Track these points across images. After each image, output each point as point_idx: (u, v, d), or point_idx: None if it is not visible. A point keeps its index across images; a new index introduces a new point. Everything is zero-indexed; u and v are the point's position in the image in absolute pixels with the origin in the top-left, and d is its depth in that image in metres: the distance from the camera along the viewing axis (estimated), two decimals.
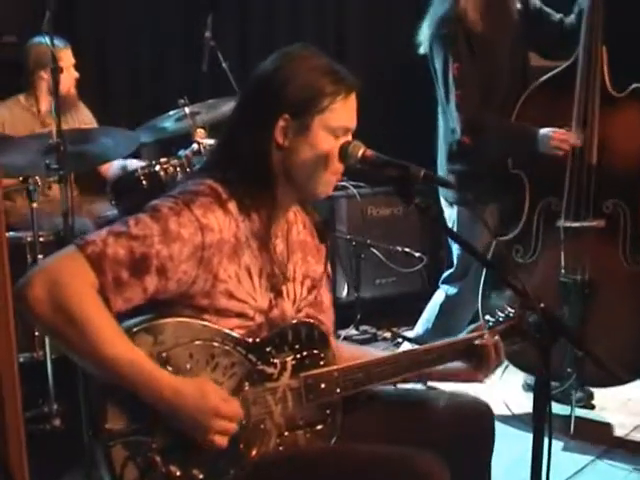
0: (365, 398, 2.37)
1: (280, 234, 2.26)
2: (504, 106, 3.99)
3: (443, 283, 4.52)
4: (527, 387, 4.43)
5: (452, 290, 4.44)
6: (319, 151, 2.15)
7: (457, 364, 2.36)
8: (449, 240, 4.57)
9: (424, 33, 4.04)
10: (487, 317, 2.41)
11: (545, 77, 3.97)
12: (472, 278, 4.21)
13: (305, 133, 2.14)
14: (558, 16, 4.10)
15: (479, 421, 2.36)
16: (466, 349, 2.34)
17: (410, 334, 4.69)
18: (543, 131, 3.85)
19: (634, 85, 3.88)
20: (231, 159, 2.19)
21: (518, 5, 4.06)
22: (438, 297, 4.52)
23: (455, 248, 4.39)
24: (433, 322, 4.46)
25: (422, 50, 4.07)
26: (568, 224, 3.90)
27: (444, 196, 4.25)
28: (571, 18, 4.02)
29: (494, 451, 2.38)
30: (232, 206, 2.12)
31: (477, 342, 2.33)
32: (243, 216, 2.13)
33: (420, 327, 4.55)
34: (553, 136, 3.82)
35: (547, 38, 4.12)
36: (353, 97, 2.19)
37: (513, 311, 2.38)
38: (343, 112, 2.16)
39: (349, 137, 2.20)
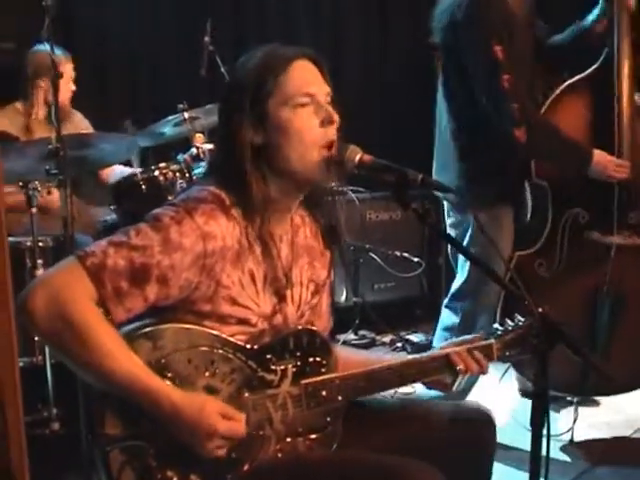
0: (367, 406, 2.38)
1: (285, 238, 2.26)
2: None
3: (456, 300, 3.99)
4: (523, 393, 4.41)
5: (468, 304, 3.95)
6: (288, 129, 2.13)
7: None
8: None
9: (441, 19, 3.69)
10: (496, 325, 2.38)
11: (573, 80, 3.83)
12: (486, 283, 3.79)
13: (267, 121, 2.13)
14: (557, 41, 3.96)
15: (480, 429, 2.35)
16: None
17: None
18: (598, 157, 3.66)
19: None
20: (219, 166, 2.21)
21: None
22: (449, 318, 4.03)
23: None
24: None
25: (437, 39, 3.75)
26: (608, 239, 3.81)
27: (448, 201, 3.93)
28: (562, 38, 3.93)
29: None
30: (235, 212, 2.11)
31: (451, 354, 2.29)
32: (246, 222, 2.13)
33: None
34: (608, 166, 3.65)
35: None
36: (300, 64, 2.16)
37: (523, 320, 2.35)
38: (291, 82, 2.13)
39: (319, 101, 2.15)
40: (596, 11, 3.80)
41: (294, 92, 2.13)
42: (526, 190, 3.93)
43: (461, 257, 3.96)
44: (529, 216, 3.99)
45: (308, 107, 2.14)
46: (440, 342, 4.07)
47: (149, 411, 1.95)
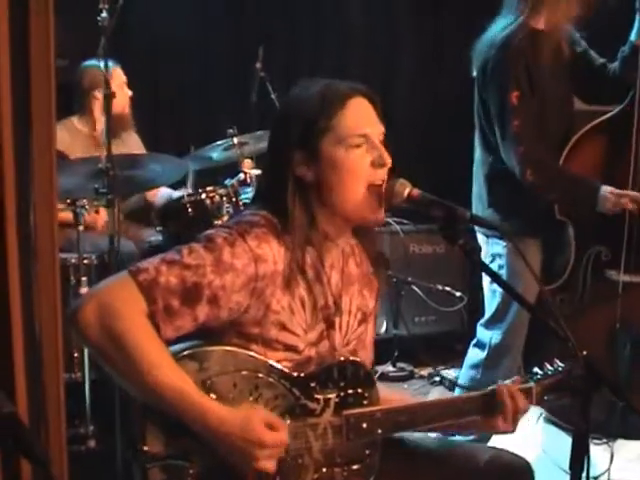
0: (406, 442, 2.38)
1: (336, 265, 2.26)
2: (549, 148, 3.83)
3: (486, 329, 4.04)
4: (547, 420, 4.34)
5: (496, 336, 3.99)
6: (341, 168, 2.13)
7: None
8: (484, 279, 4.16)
9: (478, 55, 3.82)
10: (535, 369, 2.37)
11: (596, 122, 3.86)
12: (514, 317, 3.86)
13: (320, 159, 2.13)
14: (601, 61, 3.95)
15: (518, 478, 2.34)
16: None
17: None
18: (604, 191, 3.67)
19: None
20: (265, 196, 2.23)
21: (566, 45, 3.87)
22: (476, 355, 4.06)
23: (491, 288, 4.02)
24: (479, 381, 3.95)
25: (474, 72, 3.86)
26: (628, 278, 3.79)
27: (483, 232, 3.97)
28: (614, 66, 3.88)
29: None
30: (287, 237, 2.12)
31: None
32: (298, 247, 2.13)
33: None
34: (610, 198, 3.65)
35: (589, 82, 3.95)
36: (355, 103, 2.16)
37: (562, 365, 2.34)
38: (346, 122, 2.13)
39: (373, 142, 2.15)
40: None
41: (349, 133, 2.13)
42: (555, 225, 3.94)
43: (488, 290, 4.03)
44: (554, 251, 4.01)
45: (362, 147, 2.14)
46: (466, 381, 4.12)
47: (195, 427, 1.95)
